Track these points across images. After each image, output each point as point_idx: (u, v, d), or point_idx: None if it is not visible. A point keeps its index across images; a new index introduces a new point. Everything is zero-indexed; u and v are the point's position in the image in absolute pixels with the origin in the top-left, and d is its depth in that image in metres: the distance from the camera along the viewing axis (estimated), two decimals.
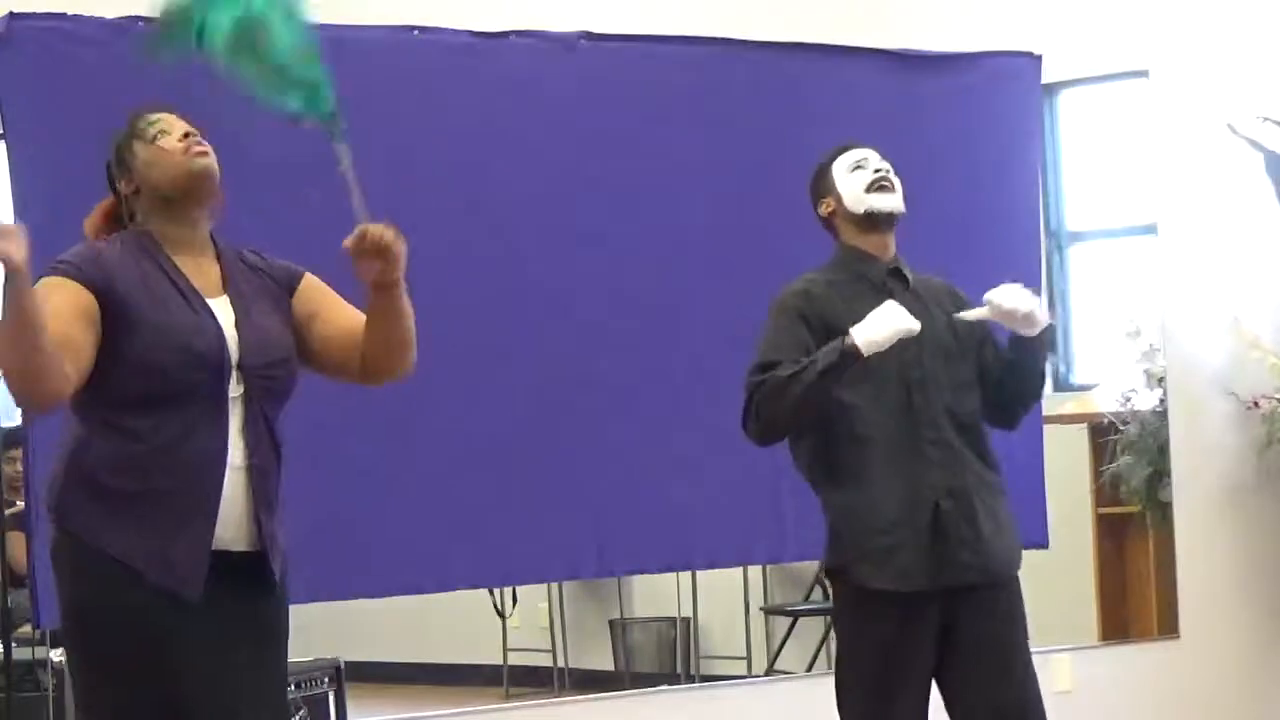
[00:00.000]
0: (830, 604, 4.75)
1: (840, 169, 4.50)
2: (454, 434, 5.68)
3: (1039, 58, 6.52)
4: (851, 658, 4.38)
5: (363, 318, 3.67)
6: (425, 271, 5.61)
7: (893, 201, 4.45)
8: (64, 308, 3.43)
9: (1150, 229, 7.06)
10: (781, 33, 6.15)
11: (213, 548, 3.47)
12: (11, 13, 5.12)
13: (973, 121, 6.38)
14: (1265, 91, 6.95)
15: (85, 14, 5.20)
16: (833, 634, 7.16)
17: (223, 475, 3.49)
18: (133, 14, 5.22)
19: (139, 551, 3.43)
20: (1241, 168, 6.91)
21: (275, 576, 3.55)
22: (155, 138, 3.62)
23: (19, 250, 3.21)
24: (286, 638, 3.67)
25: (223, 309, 3.58)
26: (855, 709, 4.35)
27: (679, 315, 5.95)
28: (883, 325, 4.22)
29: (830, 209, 4.52)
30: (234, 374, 3.53)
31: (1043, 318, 4.40)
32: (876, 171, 4.45)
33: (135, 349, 3.46)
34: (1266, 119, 6.89)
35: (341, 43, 5.64)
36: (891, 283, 4.43)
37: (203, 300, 3.56)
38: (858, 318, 4.24)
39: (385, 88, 5.63)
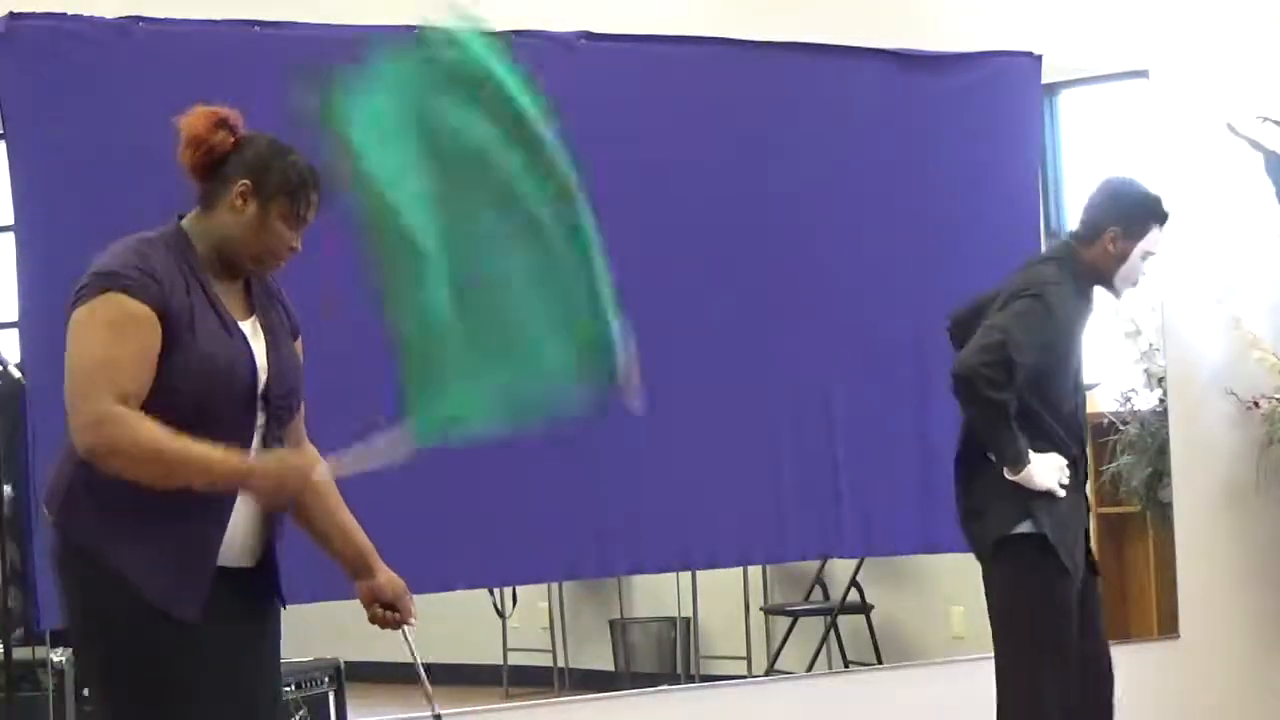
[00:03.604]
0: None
1: (1146, 244, 4.93)
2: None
3: (1039, 58, 6.53)
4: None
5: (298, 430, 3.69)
6: None
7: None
8: (148, 352, 3.35)
9: None
10: (781, 33, 6.14)
11: (218, 564, 3.46)
12: (11, 13, 5.11)
13: (973, 121, 6.38)
14: (1265, 91, 6.95)
15: (85, 14, 5.20)
16: (833, 634, 7.16)
17: (234, 501, 3.46)
18: (133, 14, 5.23)
19: (140, 568, 3.38)
20: (1241, 168, 6.91)
21: (281, 592, 3.57)
22: (289, 218, 3.47)
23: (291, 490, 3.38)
24: (279, 640, 3.70)
25: (252, 334, 3.52)
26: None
27: (677, 315, 5.94)
28: (1048, 476, 4.80)
29: (1109, 251, 4.92)
30: (259, 403, 3.50)
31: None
32: (1143, 275, 4.96)
33: (176, 374, 3.38)
34: (1266, 119, 6.88)
35: (343, 43, 5.66)
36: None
37: (237, 326, 3.50)
38: (1071, 340, 4.84)
39: None
